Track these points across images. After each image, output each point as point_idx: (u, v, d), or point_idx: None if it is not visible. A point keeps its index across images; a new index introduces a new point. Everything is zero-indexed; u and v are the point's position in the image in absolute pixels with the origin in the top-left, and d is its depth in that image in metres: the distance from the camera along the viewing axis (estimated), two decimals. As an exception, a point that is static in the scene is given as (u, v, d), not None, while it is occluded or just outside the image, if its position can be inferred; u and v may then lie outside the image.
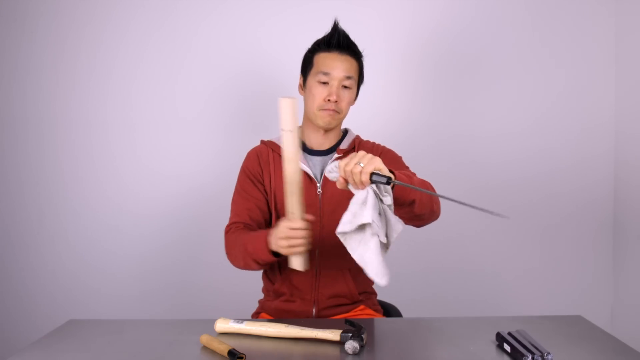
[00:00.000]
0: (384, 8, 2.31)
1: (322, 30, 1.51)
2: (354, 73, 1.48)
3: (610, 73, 2.33)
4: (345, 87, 1.47)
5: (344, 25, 1.50)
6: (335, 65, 1.45)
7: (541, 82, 2.34)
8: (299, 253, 1.26)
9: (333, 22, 1.50)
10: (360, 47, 1.52)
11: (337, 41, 1.46)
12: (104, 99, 2.31)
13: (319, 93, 1.46)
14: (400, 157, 1.57)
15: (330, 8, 2.25)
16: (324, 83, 1.46)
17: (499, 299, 2.34)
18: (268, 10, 2.29)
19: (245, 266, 1.41)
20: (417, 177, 1.38)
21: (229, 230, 1.48)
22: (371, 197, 1.09)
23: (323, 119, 1.47)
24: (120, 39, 2.30)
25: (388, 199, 1.12)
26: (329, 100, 1.45)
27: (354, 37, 1.51)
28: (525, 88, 2.34)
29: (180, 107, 2.31)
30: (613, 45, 2.32)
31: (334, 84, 1.45)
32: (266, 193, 1.52)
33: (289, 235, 1.23)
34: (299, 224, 1.23)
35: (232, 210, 1.53)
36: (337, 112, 1.47)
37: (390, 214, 1.13)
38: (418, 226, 1.38)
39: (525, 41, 2.33)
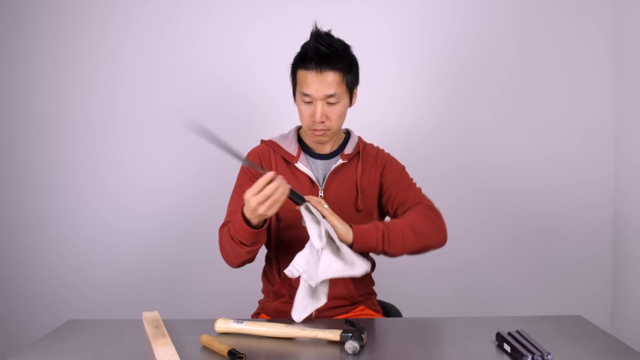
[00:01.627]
0: (388, 9, 2.31)
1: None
2: (336, 87, 1.38)
3: (610, 75, 2.33)
4: (331, 103, 1.40)
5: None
6: (314, 85, 1.37)
7: (544, 83, 2.33)
8: (278, 207, 1.21)
9: (311, 31, 1.39)
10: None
11: (310, 57, 1.36)
12: (104, 98, 2.31)
13: (305, 111, 1.41)
14: (403, 167, 1.55)
15: (334, 7, 2.26)
16: (308, 102, 1.40)
17: (499, 299, 2.34)
18: (264, 10, 2.30)
19: (237, 257, 1.35)
20: (404, 219, 1.39)
21: (222, 229, 1.43)
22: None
23: (314, 138, 1.45)
24: (121, 39, 2.30)
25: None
26: (314, 121, 1.40)
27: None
28: (528, 88, 2.34)
29: (180, 107, 2.31)
30: (614, 47, 2.33)
31: (317, 104, 1.38)
32: None
33: (261, 199, 1.18)
34: (264, 179, 1.19)
35: (228, 210, 1.48)
36: (326, 129, 1.42)
37: (325, 255, 1.24)
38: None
39: (528, 43, 2.33)
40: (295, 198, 1.24)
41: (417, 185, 1.53)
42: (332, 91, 1.38)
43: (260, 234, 1.28)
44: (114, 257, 2.33)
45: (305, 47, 1.40)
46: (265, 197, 1.19)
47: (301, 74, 1.40)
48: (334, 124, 1.42)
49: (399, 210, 1.48)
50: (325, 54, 1.36)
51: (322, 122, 1.40)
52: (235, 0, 2.30)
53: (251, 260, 1.38)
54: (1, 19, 2.29)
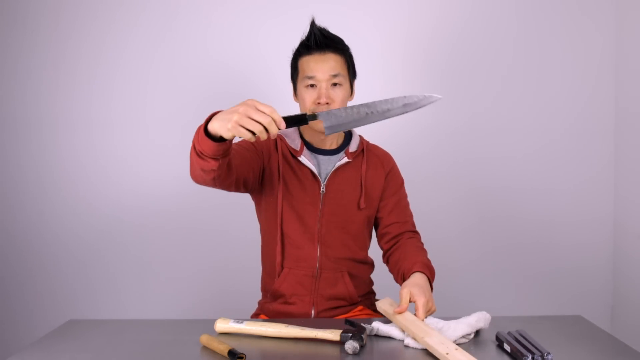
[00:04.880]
0: (376, 9, 2.31)
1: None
2: (340, 69, 1.42)
3: (610, 72, 2.33)
4: (336, 84, 1.41)
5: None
6: (319, 67, 1.40)
7: (543, 81, 2.34)
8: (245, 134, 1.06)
9: (310, 22, 1.44)
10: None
11: (314, 41, 1.41)
12: (105, 99, 2.31)
13: (308, 97, 1.41)
14: (403, 181, 1.58)
15: (324, 12, 2.26)
16: (312, 86, 1.41)
17: (498, 299, 2.34)
18: (259, 12, 2.30)
19: (193, 168, 1.20)
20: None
21: None
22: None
23: (317, 124, 1.40)
24: (121, 40, 2.30)
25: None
26: (319, 103, 1.39)
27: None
28: (527, 87, 2.34)
29: (181, 107, 2.31)
30: (614, 48, 2.33)
31: (322, 85, 1.40)
32: (264, 169, 1.45)
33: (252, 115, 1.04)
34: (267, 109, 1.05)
35: None
36: None
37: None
38: None
39: (527, 44, 2.33)
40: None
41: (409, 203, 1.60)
42: (336, 71, 1.41)
43: (221, 147, 1.13)
44: (113, 257, 2.32)
45: (305, 37, 1.44)
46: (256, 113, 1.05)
47: (304, 60, 1.43)
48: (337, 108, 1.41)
49: (393, 227, 1.52)
50: (327, 36, 1.43)
51: (327, 103, 1.39)
52: (234, 4, 2.30)
53: (217, 177, 1.21)
54: (1, 19, 2.29)
